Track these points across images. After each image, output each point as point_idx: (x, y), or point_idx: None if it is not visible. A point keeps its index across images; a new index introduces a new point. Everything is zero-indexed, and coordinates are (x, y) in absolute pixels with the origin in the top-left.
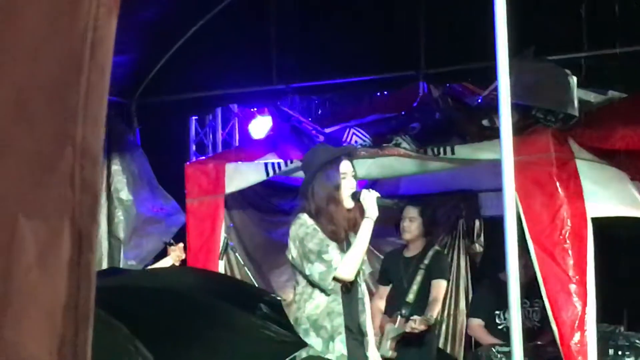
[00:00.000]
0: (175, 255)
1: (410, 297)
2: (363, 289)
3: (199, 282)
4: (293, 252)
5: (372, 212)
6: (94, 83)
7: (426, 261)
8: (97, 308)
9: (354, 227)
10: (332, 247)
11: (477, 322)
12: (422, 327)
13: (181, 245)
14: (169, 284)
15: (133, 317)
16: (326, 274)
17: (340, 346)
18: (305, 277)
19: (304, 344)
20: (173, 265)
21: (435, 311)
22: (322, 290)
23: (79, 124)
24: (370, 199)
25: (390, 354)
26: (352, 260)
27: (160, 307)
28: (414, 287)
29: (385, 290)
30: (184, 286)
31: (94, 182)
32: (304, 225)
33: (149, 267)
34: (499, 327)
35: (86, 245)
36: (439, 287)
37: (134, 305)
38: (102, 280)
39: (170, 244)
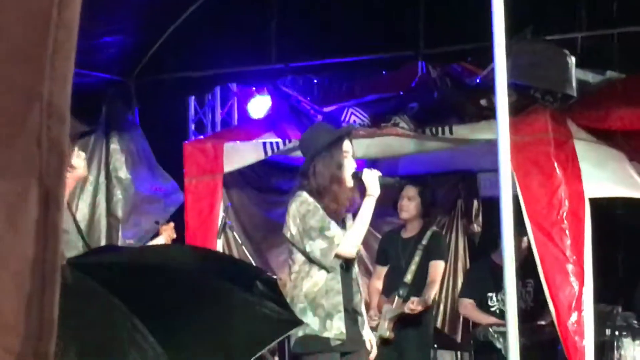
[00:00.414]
0: (166, 235)
1: (408, 277)
2: (356, 269)
3: (196, 260)
4: (292, 229)
5: (374, 189)
6: (61, 42)
7: (424, 242)
8: (95, 284)
9: (351, 206)
10: (334, 224)
11: (468, 301)
12: (420, 308)
13: (172, 224)
14: (166, 261)
15: (130, 294)
16: (328, 250)
17: (338, 324)
18: (305, 254)
19: (300, 322)
20: (170, 245)
21: (432, 292)
22: (322, 268)
23: (46, 83)
24: (372, 178)
25: (388, 334)
26: (354, 237)
27: (158, 284)
28: (412, 268)
29: (382, 270)
30: (181, 264)
31: (61, 141)
32: (305, 203)
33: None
34: (492, 308)
35: (53, 205)
36: (437, 267)
37: (131, 282)
38: (99, 257)
39: (162, 224)
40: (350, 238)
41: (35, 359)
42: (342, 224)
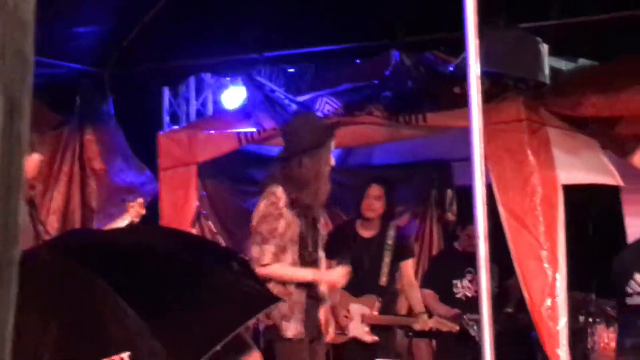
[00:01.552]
0: (134, 212)
1: (383, 279)
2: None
3: (174, 240)
4: (252, 220)
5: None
6: None
7: (389, 241)
8: (76, 263)
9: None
10: (273, 245)
11: (427, 292)
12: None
13: (140, 200)
14: (145, 241)
15: (112, 272)
16: (254, 261)
17: (296, 325)
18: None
19: (278, 299)
20: (144, 225)
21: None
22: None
23: None
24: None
25: (370, 338)
26: (276, 276)
27: (138, 262)
28: (385, 270)
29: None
30: (160, 243)
31: (25, 50)
32: (272, 206)
33: (107, 226)
34: (457, 295)
35: (17, 115)
36: (409, 267)
37: (112, 262)
38: (78, 238)
39: (129, 201)
40: (270, 272)
41: (1, 267)
42: (313, 225)
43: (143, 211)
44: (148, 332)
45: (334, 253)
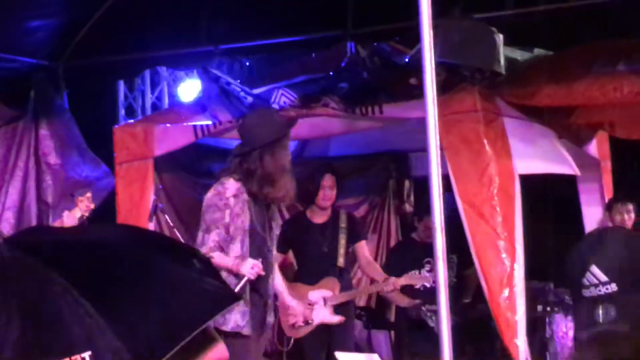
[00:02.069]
0: (83, 206)
1: (341, 260)
2: (274, 254)
3: (134, 237)
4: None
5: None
6: None
7: (342, 224)
8: (33, 260)
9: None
10: (215, 233)
11: None
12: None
13: (89, 194)
14: (104, 238)
15: (70, 270)
16: (197, 247)
17: (236, 317)
18: None
19: (239, 297)
20: (104, 222)
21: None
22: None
23: None
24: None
25: (336, 319)
26: (214, 259)
27: (97, 259)
28: (341, 251)
29: (280, 257)
30: (119, 240)
31: None
32: (218, 196)
33: (57, 221)
34: (416, 286)
35: None
36: (364, 247)
37: (71, 258)
38: (35, 235)
39: (77, 196)
40: (213, 257)
41: None
42: (267, 219)
43: (92, 205)
44: (109, 331)
45: (289, 242)
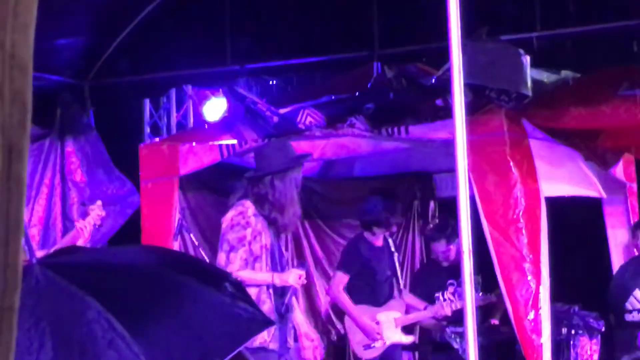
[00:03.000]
0: (94, 214)
1: (402, 283)
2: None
3: (166, 260)
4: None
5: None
6: None
7: (393, 249)
8: (67, 283)
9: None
10: (243, 251)
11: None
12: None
13: (99, 202)
14: (136, 260)
15: (103, 293)
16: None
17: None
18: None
19: (272, 322)
20: (135, 244)
21: None
22: None
23: (9, 33)
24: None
25: (409, 338)
26: (243, 280)
27: (130, 283)
28: (399, 274)
29: (345, 278)
30: (151, 263)
31: (24, 92)
32: (241, 216)
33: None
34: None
35: (16, 158)
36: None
37: (104, 281)
38: (69, 257)
39: (89, 205)
40: (243, 276)
41: (1, 314)
42: (277, 241)
43: (103, 213)
44: (142, 356)
45: (355, 266)
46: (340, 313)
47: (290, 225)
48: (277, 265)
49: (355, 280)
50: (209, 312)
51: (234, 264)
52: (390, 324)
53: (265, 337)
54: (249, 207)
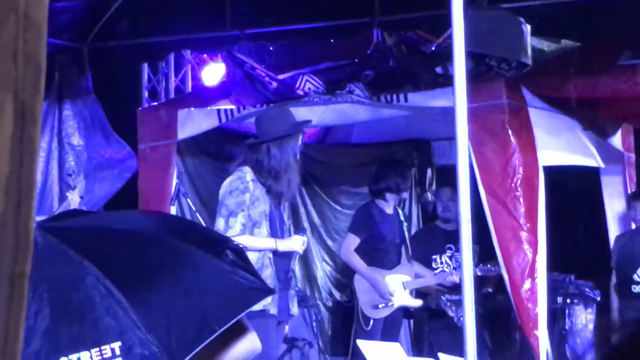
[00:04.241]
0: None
1: (410, 250)
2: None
3: (165, 226)
4: (219, 199)
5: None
6: None
7: (402, 218)
8: (66, 247)
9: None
10: (242, 216)
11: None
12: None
13: (77, 189)
14: (136, 226)
15: (103, 258)
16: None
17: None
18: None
19: (272, 291)
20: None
21: None
22: None
23: None
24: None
25: (418, 301)
26: (248, 243)
27: (130, 249)
28: (407, 243)
29: (355, 239)
30: (151, 229)
31: (38, 54)
32: (238, 181)
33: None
34: (436, 270)
35: (29, 120)
36: None
37: (103, 246)
38: (69, 221)
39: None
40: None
41: (12, 281)
42: (278, 208)
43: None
44: (140, 323)
45: (365, 230)
46: (349, 275)
47: (287, 193)
48: (277, 232)
49: (365, 244)
50: (209, 280)
51: (234, 229)
52: (399, 287)
53: (268, 301)
54: (247, 172)
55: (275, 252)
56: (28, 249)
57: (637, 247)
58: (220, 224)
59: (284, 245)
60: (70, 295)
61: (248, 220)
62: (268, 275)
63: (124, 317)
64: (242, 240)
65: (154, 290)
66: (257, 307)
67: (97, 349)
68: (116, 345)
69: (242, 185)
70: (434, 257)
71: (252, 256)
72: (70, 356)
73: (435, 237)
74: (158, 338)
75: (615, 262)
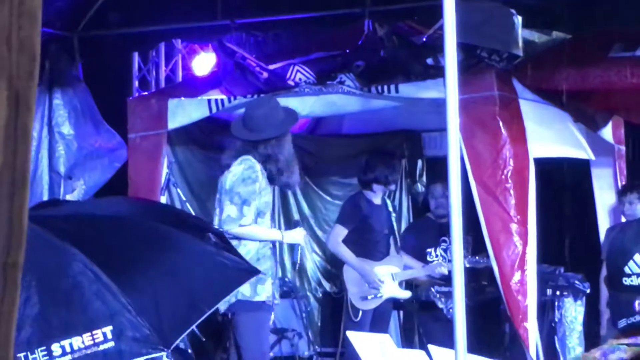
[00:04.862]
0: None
1: (399, 242)
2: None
3: (148, 210)
4: (227, 185)
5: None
6: None
7: (390, 209)
8: (51, 235)
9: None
10: (254, 206)
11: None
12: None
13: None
14: (120, 212)
15: (89, 244)
16: (231, 221)
17: (269, 287)
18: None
19: (257, 271)
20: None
21: None
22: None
23: None
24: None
25: (407, 293)
26: (251, 235)
27: (115, 234)
28: (396, 234)
29: (343, 230)
30: (135, 214)
31: (32, 42)
32: (250, 169)
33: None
34: (430, 263)
35: (23, 107)
36: None
37: (88, 233)
38: (51, 209)
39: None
40: (248, 232)
41: (4, 271)
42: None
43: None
44: (130, 307)
45: (352, 220)
46: (338, 266)
47: (294, 183)
48: (275, 223)
49: (353, 235)
50: (195, 262)
51: (248, 217)
52: (388, 278)
53: (269, 294)
54: (255, 162)
55: (273, 243)
56: (21, 239)
57: (629, 240)
58: (232, 211)
59: (289, 236)
60: (59, 282)
61: (256, 210)
62: (269, 267)
63: (114, 301)
64: (251, 229)
65: (142, 273)
66: (259, 298)
67: (89, 333)
68: (107, 329)
69: (254, 175)
70: (429, 250)
71: (252, 247)
72: (62, 342)
73: (429, 230)
74: (149, 320)
75: (607, 254)
